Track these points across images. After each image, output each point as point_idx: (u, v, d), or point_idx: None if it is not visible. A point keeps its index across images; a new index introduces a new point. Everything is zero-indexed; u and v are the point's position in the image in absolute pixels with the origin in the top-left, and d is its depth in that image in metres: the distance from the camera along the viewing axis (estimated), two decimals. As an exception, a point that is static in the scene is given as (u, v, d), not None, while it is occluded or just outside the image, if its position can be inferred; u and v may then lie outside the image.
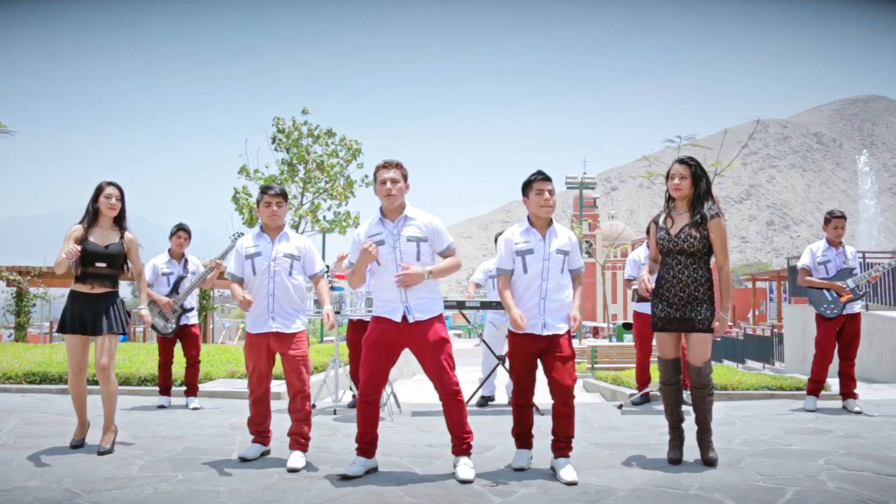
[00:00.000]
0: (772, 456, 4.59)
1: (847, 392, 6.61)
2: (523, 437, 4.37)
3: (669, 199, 4.53)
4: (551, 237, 4.27)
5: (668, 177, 4.48)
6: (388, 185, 4.09)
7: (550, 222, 4.33)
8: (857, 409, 6.47)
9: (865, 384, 9.04)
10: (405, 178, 4.17)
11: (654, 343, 7.04)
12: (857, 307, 6.55)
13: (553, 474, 4.11)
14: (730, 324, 5.42)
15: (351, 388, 6.99)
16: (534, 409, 4.44)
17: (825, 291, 6.53)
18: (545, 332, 4.18)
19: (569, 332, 4.23)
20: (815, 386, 6.69)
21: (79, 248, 4.58)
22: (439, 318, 4.16)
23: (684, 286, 4.30)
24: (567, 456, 4.18)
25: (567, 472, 4.01)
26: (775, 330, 17.73)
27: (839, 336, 6.58)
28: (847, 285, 6.43)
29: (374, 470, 4.20)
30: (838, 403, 6.73)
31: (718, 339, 18.07)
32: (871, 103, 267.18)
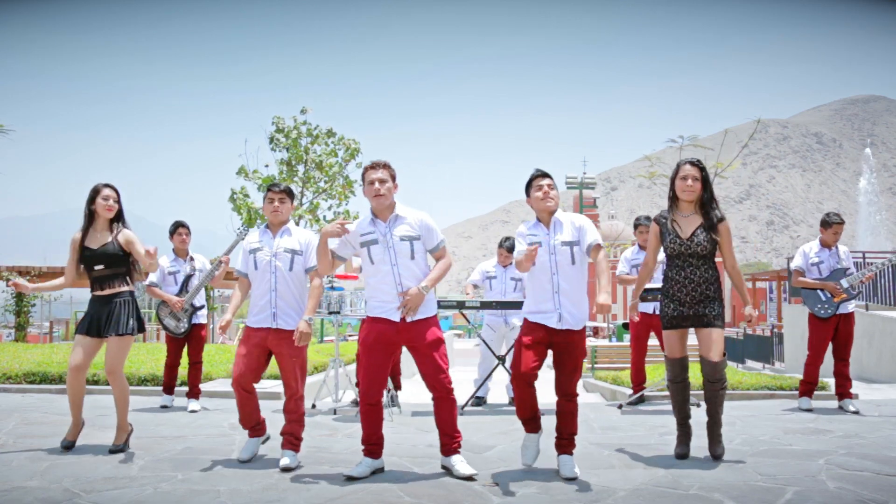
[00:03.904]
0: (772, 456, 4.60)
1: (843, 392, 6.61)
2: (530, 421, 4.30)
3: (673, 199, 4.55)
4: (556, 230, 4.23)
5: (675, 177, 4.51)
6: (377, 185, 4.10)
7: (554, 215, 4.30)
8: (852, 408, 6.47)
9: (865, 384, 9.04)
10: (393, 178, 4.18)
11: (649, 343, 7.04)
12: (850, 307, 6.56)
13: (556, 473, 4.11)
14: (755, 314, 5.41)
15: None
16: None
17: (819, 292, 6.55)
18: (560, 326, 4.14)
19: (584, 329, 4.20)
20: (809, 387, 6.69)
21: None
22: (434, 318, 4.21)
23: (696, 286, 4.39)
24: (570, 453, 4.18)
25: (567, 469, 4.07)
26: (775, 330, 17.74)
27: (834, 337, 6.58)
28: (841, 285, 6.44)
29: (381, 470, 4.19)
30: (836, 403, 6.72)
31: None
32: (871, 103, 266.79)
